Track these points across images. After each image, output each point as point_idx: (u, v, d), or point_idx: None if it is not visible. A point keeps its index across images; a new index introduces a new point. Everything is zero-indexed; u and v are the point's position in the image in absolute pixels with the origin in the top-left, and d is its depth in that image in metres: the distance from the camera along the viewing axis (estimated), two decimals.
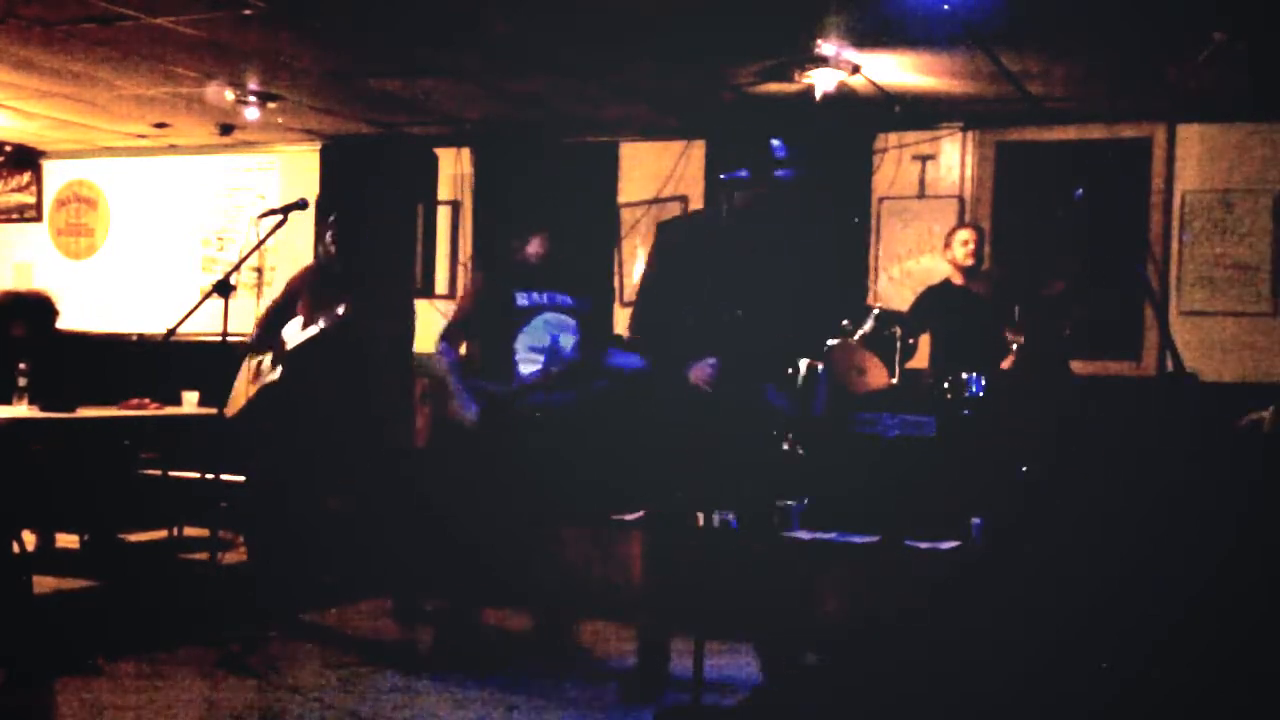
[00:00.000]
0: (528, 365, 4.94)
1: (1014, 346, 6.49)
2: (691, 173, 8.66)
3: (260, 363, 5.56)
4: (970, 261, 6.82)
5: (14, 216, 10.91)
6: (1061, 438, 6.24)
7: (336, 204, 5.95)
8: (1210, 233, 7.46)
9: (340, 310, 5.26)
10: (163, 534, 6.94)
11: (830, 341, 6.72)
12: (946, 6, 5.53)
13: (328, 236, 5.60)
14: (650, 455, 4.45)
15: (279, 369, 5.45)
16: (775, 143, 4.27)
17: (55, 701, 4.15)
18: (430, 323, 9.03)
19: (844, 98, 6.99)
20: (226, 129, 9.02)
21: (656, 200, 8.78)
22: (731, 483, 4.34)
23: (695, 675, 3.86)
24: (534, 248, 5.08)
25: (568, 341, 4.99)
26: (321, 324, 5.33)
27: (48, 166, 10.80)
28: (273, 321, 5.58)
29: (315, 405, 5.37)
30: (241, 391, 5.51)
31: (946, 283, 6.94)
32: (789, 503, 5.82)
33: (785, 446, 6.13)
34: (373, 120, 8.68)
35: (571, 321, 5.02)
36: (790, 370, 6.20)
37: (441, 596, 5.29)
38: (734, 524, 4.72)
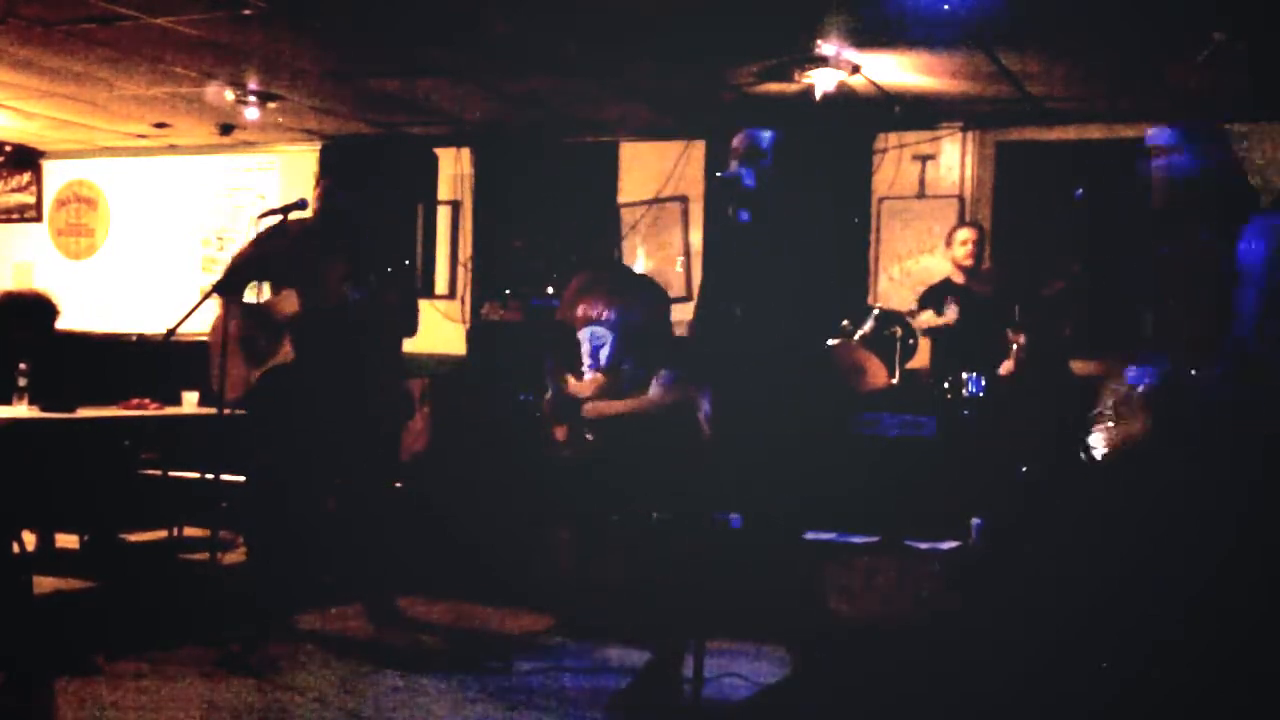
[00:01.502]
0: (587, 371, 5.56)
1: (1014, 347, 6.49)
2: (691, 173, 8.67)
3: (254, 339, 5.41)
4: (969, 261, 6.82)
5: (14, 216, 10.92)
6: (1061, 438, 6.23)
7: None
8: None
9: (353, 289, 5.23)
10: (163, 534, 6.93)
11: (830, 341, 6.72)
12: (946, 6, 5.54)
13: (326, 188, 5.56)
14: (658, 456, 4.46)
15: (286, 346, 5.34)
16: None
17: (55, 701, 4.15)
18: (430, 322, 9.08)
19: (844, 98, 6.99)
20: (226, 129, 9.03)
21: (656, 200, 8.78)
22: (738, 483, 4.34)
23: (695, 675, 3.86)
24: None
25: (603, 354, 5.50)
26: (332, 299, 5.27)
27: (48, 166, 10.80)
28: (243, 274, 5.39)
29: (323, 386, 5.29)
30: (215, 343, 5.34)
31: (947, 281, 6.95)
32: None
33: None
34: (373, 120, 8.69)
35: (608, 335, 5.48)
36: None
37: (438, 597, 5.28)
38: (735, 524, 4.72)
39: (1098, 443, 3.94)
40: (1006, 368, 6.46)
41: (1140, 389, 3.83)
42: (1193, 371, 3.75)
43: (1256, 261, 3.68)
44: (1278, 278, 3.66)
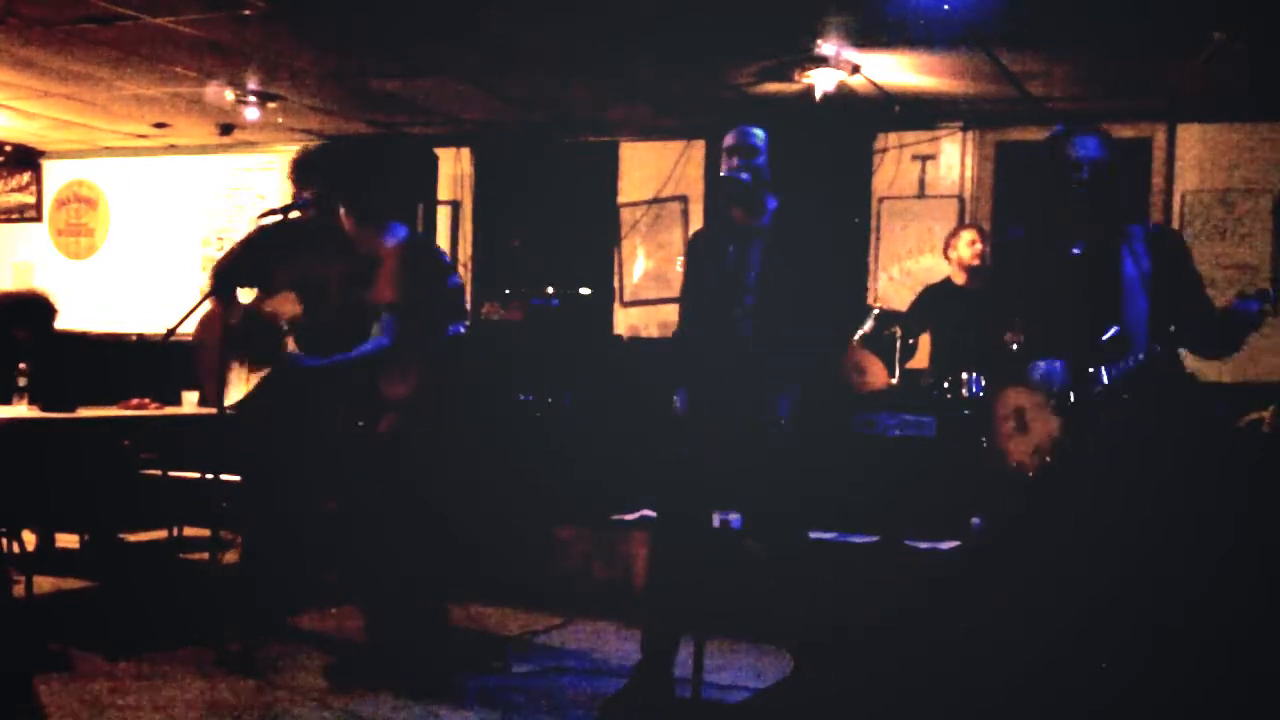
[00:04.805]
0: None
1: (1014, 347, 6.47)
2: (691, 173, 8.67)
3: (251, 342, 5.33)
4: (977, 261, 6.81)
5: (14, 216, 10.92)
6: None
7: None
8: (1210, 233, 7.46)
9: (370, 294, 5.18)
10: (163, 534, 6.93)
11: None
12: (946, 7, 5.54)
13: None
14: (655, 455, 4.45)
15: (289, 348, 5.25)
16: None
17: (55, 701, 4.15)
18: None
19: (844, 98, 6.99)
20: (226, 129, 9.03)
21: (656, 200, 8.78)
22: (738, 483, 4.34)
23: (695, 675, 3.86)
24: None
25: None
26: (334, 301, 5.23)
27: (48, 166, 10.80)
28: (235, 279, 5.27)
29: (330, 388, 5.25)
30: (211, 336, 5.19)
31: (948, 281, 6.94)
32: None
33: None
34: (373, 120, 8.68)
35: None
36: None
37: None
38: (735, 524, 4.72)
39: (1015, 451, 3.98)
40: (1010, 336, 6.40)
41: (1053, 391, 3.87)
42: (1097, 372, 3.80)
43: (1145, 272, 3.78)
44: (1165, 287, 3.78)
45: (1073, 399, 3.83)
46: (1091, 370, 3.81)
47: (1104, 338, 3.80)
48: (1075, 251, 3.92)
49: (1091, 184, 3.87)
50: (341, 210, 4.96)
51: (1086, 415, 3.81)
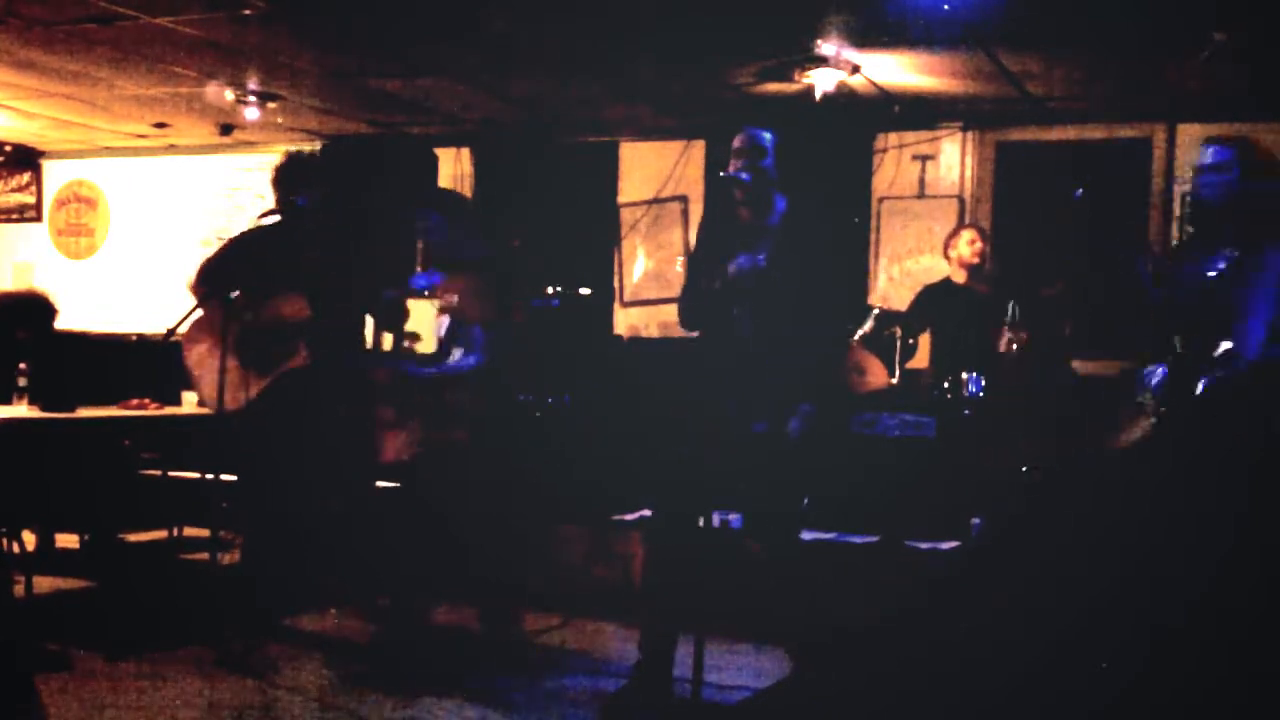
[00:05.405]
0: None
1: (1013, 347, 6.47)
2: (691, 173, 8.67)
3: (253, 344, 5.26)
4: (977, 260, 6.82)
5: (14, 216, 10.92)
6: (1062, 436, 6.24)
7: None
8: None
9: (388, 289, 5.20)
10: (163, 534, 6.93)
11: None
12: (946, 7, 5.54)
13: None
14: (655, 455, 4.45)
15: (300, 350, 5.22)
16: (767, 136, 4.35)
17: (55, 701, 4.14)
18: (430, 321, 9.06)
19: (844, 98, 6.99)
20: (226, 129, 9.03)
21: (656, 200, 8.78)
22: (738, 483, 4.34)
23: (695, 675, 3.86)
24: None
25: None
26: (356, 300, 5.23)
27: (48, 166, 10.80)
28: (231, 280, 5.05)
29: (347, 389, 5.23)
30: (210, 380, 5.08)
31: (947, 280, 6.94)
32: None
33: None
34: (373, 120, 8.68)
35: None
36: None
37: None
38: (735, 524, 4.72)
39: (1115, 439, 4.01)
40: (1004, 344, 6.40)
41: (1153, 393, 3.89)
42: (1194, 382, 3.82)
43: (1269, 289, 3.79)
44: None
45: (1166, 404, 3.86)
46: (1190, 378, 3.83)
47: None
48: (1210, 269, 3.96)
49: (1207, 196, 3.91)
50: (438, 224, 5.07)
51: (1173, 420, 3.84)
